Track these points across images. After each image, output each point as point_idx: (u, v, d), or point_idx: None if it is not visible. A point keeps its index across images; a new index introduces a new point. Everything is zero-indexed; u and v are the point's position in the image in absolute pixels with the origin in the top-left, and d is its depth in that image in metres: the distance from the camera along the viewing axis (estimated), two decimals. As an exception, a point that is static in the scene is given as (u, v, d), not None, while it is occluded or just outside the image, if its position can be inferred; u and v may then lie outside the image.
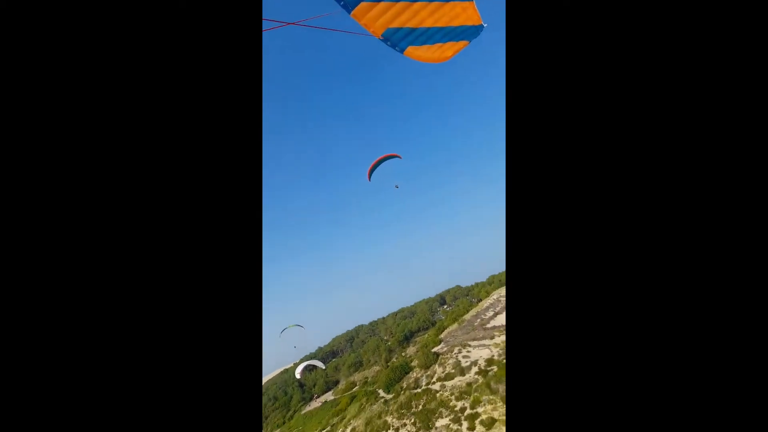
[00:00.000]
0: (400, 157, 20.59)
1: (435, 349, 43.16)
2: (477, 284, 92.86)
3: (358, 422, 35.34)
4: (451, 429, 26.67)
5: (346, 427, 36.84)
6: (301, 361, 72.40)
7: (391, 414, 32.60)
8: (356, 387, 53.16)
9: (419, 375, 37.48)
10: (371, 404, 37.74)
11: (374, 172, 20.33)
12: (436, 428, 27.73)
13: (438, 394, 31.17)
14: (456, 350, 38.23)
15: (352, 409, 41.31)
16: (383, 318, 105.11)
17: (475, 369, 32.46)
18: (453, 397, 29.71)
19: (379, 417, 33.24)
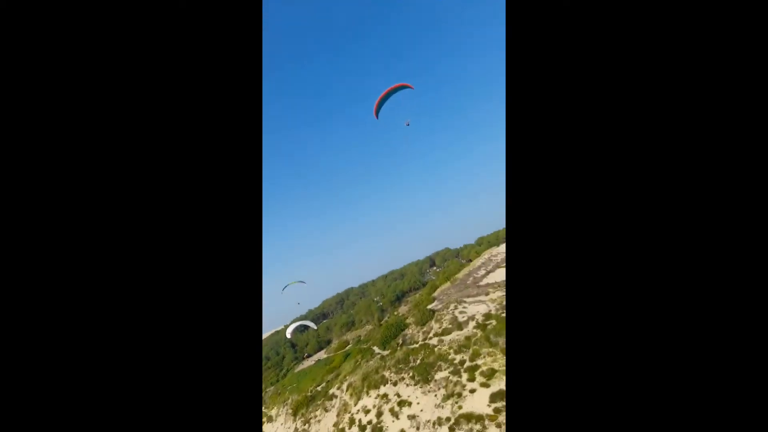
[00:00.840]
0: (411, 87, 17.80)
1: (429, 307, 42.97)
2: (466, 246, 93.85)
3: (355, 378, 35.28)
4: (451, 381, 26.50)
5: (342, 383, 36.89)
6: (292, 322, 72.57)
7: (389, 369, 32.43)
8: (349, 345, 53.54)
9: (415, 332, 37.30)
10: (367, 360, 37.67)
11: (382, 109, 17.82)
12: (435, 380, 27.57)
13: (436, 349, 30.94)
14: (452, 307, 37.96)
15: (347, 366, 41.41)
16: (373, 281, 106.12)
17: (472, 323, 32.20)
18: (452, 350, 29.46)
19: (376, 372, 33.10)
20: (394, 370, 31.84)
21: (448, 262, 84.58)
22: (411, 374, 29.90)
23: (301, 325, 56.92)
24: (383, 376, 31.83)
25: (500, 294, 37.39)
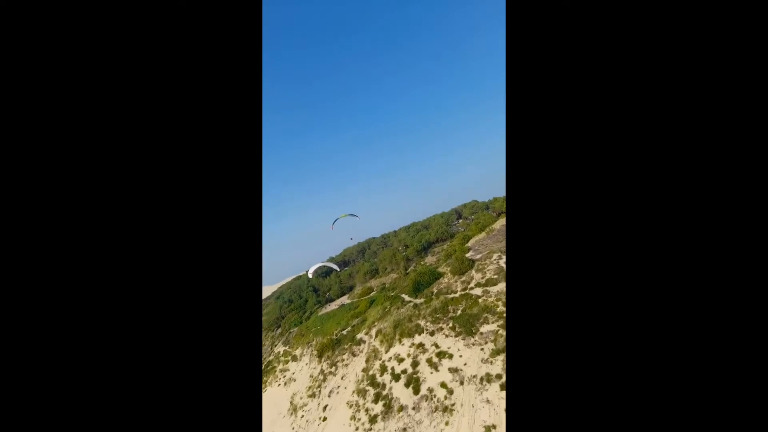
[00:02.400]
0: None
1: (467, 256, 39.08)
2: (497, 198, 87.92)
3: (385, 324, 32.83)
4: (501, 335, 23.07)
5: (369, 329, 34.73)
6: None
7: (424, 318, 29.48)
8: (373, 292, 51.59)
9: (452, 281, 33.81)
10: (398, 308, 34.99)
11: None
12: (481, 333, 24.26)
13: (480, 300, 27.35)
14: (495, 257, 33.82)
15: (373, 312, 39.27)
16: (395, 231, 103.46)
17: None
18: (500, 302, 25.74)
19: (410, 320, 30.29)
20: (430, 319, 28.85)
21: (477, 214, 79.60)
22: (451, 325, 26.79)
23: (323, 266, 54.87)
24: (418, 325, 28.99)
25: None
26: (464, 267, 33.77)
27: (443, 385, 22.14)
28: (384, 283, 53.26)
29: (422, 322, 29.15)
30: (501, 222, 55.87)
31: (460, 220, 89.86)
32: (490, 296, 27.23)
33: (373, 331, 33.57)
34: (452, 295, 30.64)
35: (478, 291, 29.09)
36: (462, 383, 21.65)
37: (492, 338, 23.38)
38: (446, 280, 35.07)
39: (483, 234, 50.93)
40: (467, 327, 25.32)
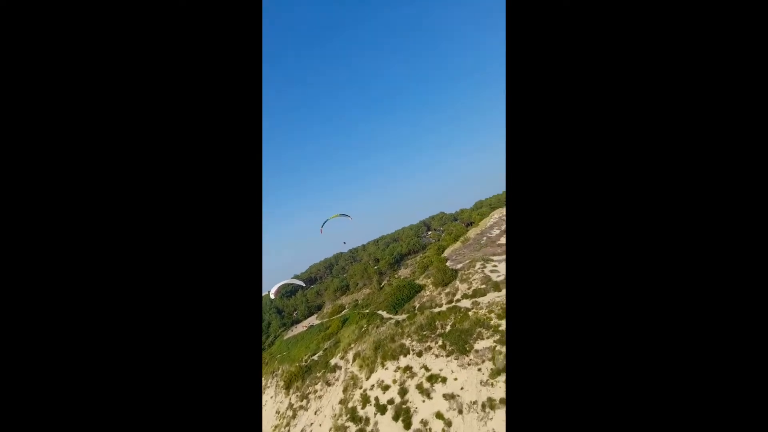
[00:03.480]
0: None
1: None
2: (463, 210, 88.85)
3: (363, 346, 29.20)
4: (500, 351, 20.63)
5: (345, 352, 30.85)
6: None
7: (409, 336, 26.38)
8: (345, 310, 47.54)
9: (435, 293, 31.20)
10: (376, 326, 31.54)
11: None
12: (476, 351, 21.66)
13: (471, 313, 24.91)
14: (478, 266, 31.89)
15: (348, 332, 35.42)
16: (364, 245, 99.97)
17: (513, 283, 26.27)
18: (493, 315, 23.47)
19: (392, 340, 27.02)
20: (416, 338, 25.82)
21: (447, 225, 79.02)
22: (440, 343, 23.96)
23: (287, 285, 49.55)
24: (402, 345, 25.81)
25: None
26: (447, 278, 31.41)
27: (439, 415, 19.04)
28: (356, 300, 49.46)
29: (407, 342, 26.02)
30: (475, 231, 55.01)
31: (430, 232, 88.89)
32: (481, 308, 24.91)
33: (350, 355, 29.75)
34: (438, 309, 27.96)
35: (466, 303, 26.69)
36: (461, 412, 18.71)
37: (489, 356, 20.85)
38: (428, 292, 32.40)
39: (458, 243, 49.45)
40: (459, 344, 22.64)
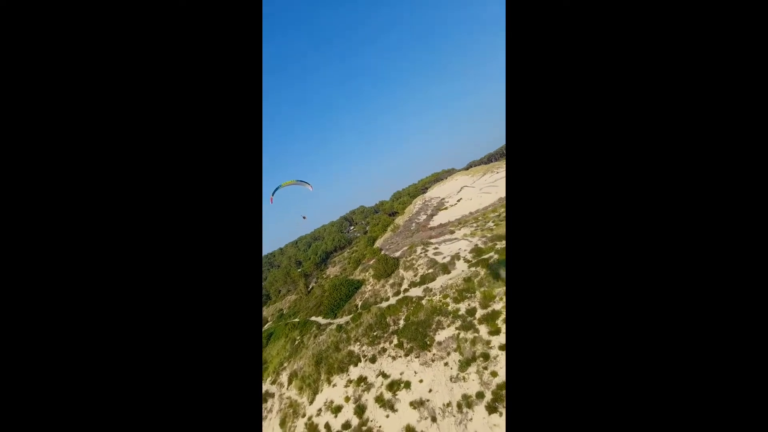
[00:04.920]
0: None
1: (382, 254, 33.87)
2: (382, 202, 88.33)
3: (300, 363, 24.12)
4: (464, 339, 18.40)
5: (276, 374, 25.25)
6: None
7: (357, 341, 22.46)
8: (269, 323, 40.80)
9: (378, 287, 27.85)
10: (313, 336, 26.66)
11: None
12: (439, 344, 19.05)
13: (424, 302, 22.28)
14: (419, 250, 29.70)
15: (276, 349, 29.63)
16: (281, 248, 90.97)
17: (461, 263, 24.62)
18: (449, 299, 21.25)
19: (337, 349, 22.73)
20: (366, 341, 22.06)
21: (370, 218, 76.80)
22: (396, 342, 20.73)
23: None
24: (351, 353, 21.76)
25: (473, 228, 30.94)
26: (389, 267, 28.36)
27: (410, 430, 15.75)
28: (281, 309, 42.99)
29: (356, 348, 22.06)
30: (402, 218, 53.68)
31: (353, 227, 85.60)
32: (434, 294, 22.47)
33: (284, 377, 24.33)
34: (386, 304, 24.64)
35: (416, 291, 24.01)
36: (435, 419, 15.76)
37: (454, 346, 18.44)
38: (370, 287, 28.86)
39: (389, 232, 47.21)
40: (418, 339, 19.74)
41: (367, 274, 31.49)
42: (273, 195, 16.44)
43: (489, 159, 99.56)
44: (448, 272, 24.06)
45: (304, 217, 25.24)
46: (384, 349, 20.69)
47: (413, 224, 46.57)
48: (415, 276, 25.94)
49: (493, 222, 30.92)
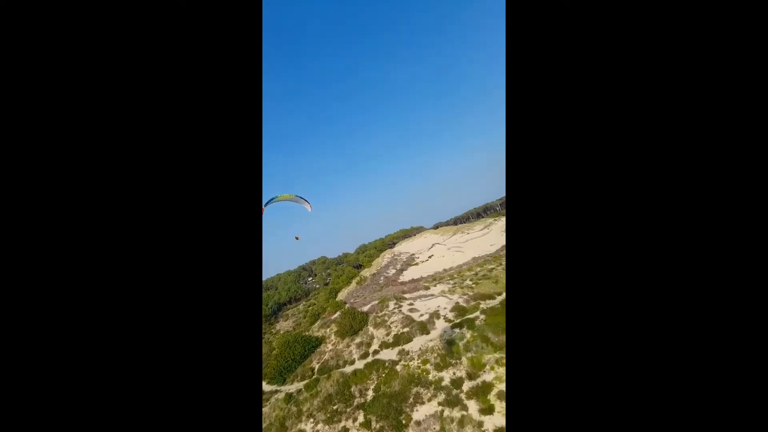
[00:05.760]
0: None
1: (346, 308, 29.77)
2: (346, 254, 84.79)
3: (230, 447, 18.13)
4: (450, 418, 14.77)
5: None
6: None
7: (311, 417, 17.59)
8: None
9: (342, 346, 23.51)
10: (253, 408, 20.86)
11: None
12: (417, 424, 15.13)
13: (399, 367, 18.51)
14: (392, 305, 26.36)
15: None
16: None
17: (441, 323, 21.62)
18: (429, 365, 17.79)
19: (283, 425, 17.58)
20: (323, 417, 17.29)
21: (332, 269, 72.23)
22: (362, 419, 16.35)
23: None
24: (301, 434, 16.74)
25: (450, 285, 28.54)
26: (357, 323, 24.41)
27: None
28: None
29: (309, 427, 17.12)
30: (369, 271, 50.25)
31: (311, 278, 79.61)
32: (412, 359, 18.86)
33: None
34: (351, 368, 20.31)
35: (390, 354, 20.19)
36: None
37: (437, 428, 14.63)
38: (331, 346, 24.35)
39: (353, 285, 43.26)
40: (392, 417, 15.66)
41: (328, 330, 27.03)
42: (265, 206, 13.47)
43: (456, 221, 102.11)
44: (428, 332, 20.82)
45: (297, 238, 21.73)
46: (346, 430, 16.08)
47: (382, 278, 43.34)
48: (387, 335, 22.25)
49: (470, 280, 28.92)
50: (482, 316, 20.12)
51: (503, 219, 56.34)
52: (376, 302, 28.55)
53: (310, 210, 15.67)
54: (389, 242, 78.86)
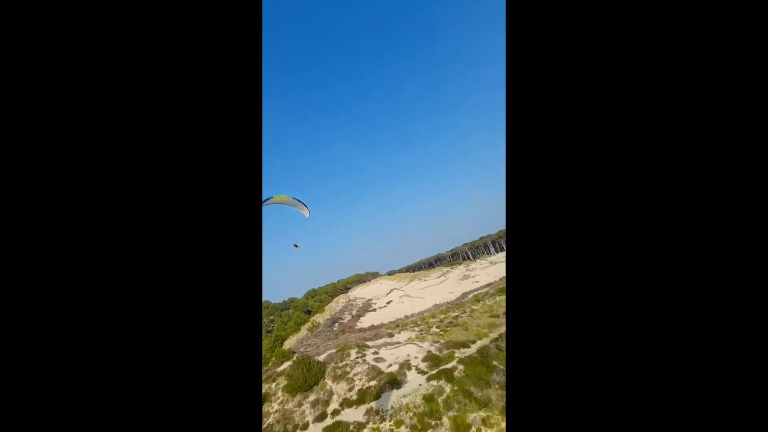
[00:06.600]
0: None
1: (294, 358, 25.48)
2: (292, 299, 78.36)
3: None
4: (436, 501, 11.84)
5: None
6: None
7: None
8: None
9: (292, 405, 19.32)
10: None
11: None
12: None
13: (368, 428, 15.23)
14: (354, 354, 23.09)
15: None
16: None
17: (413, 374, 18.97)
18: (405, 428, 14.89)
19: None
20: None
21: (276, 315, 65.43)
22: (320, 508, 12.50)
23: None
24: None
25: (416, 332, 26.19)
26: (311, 376, 20.56)
27: None
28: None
29: None
30: (322, 316, 45.62)
31: (251, 324, 70.84)
32: (383, 419, 15.73)
33: None
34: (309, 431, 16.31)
35: (354, 414, 16.75)
36: None
37: None
38: (277, 405, 19.93)
39: (304, 331, 38.44)
40: (360, 502, 12.18)
41: (273, 385, 22.51)
42: (264, 203, 11.09)
43: (409, 269, 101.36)
44: (399, 386, 17.96)
45: (296, 245, 18.75)
46: None
47: (336, 324, 39.32)
48: (350, 390, 18.80)
49: (437, 327, 26.98)
50: (460, 367, 18.01)
51: (459, 268, 56.66)
52: (334, 351, 24.94)
53: (307, 216, 13.35)
54: (342, 287, 74.70)
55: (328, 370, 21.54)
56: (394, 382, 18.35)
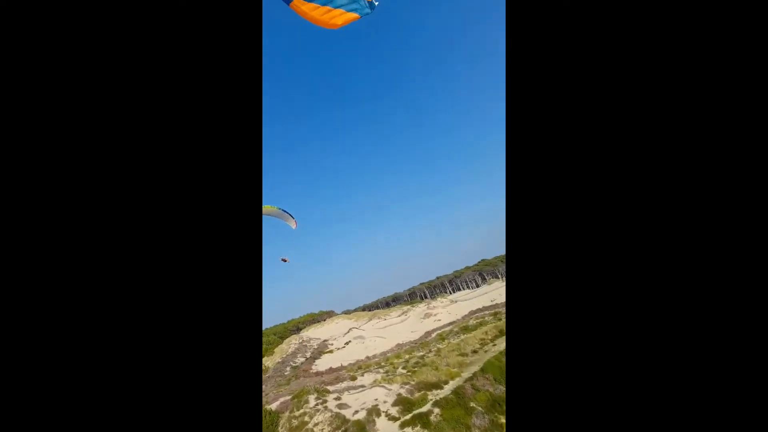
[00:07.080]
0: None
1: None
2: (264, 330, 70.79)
3: None
4: None
5: None
6: None
7: None
8: None
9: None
10: None
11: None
12: None
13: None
14: (313, 401, 20.32)
15: None
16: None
17: (383, 421, 16.88)
18: (379, 488, 12.74)
19: None
20: None
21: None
22: None
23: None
24: None
25: (382, 374, 24.07)
26: (263, 429, 17.42)
27: None
28: None
29: None
30: (273, 359, 40.78)
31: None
32: (351, 480, 13.35)
33: None
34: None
35: (317, 475, 14.04)
36: None
37: None
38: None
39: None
40: None
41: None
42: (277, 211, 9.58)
43: (366, 308, 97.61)
44: (368, 436, 15.73)
45: (284, 260, 18.00)
46: None
47: (288, 367, 35.26)
48: (311, 444, 16.07)
49: (404, 368, 25.19)
50: (436, 410, 16.43)
51: (420, 306, 55.57)
52: (289, 398, 21.81)
53: (294, 228, 11.97)
54: (293, 327, 69.15)
55: (283, 420, 18.52)
56: (362, 430, 16.10)
